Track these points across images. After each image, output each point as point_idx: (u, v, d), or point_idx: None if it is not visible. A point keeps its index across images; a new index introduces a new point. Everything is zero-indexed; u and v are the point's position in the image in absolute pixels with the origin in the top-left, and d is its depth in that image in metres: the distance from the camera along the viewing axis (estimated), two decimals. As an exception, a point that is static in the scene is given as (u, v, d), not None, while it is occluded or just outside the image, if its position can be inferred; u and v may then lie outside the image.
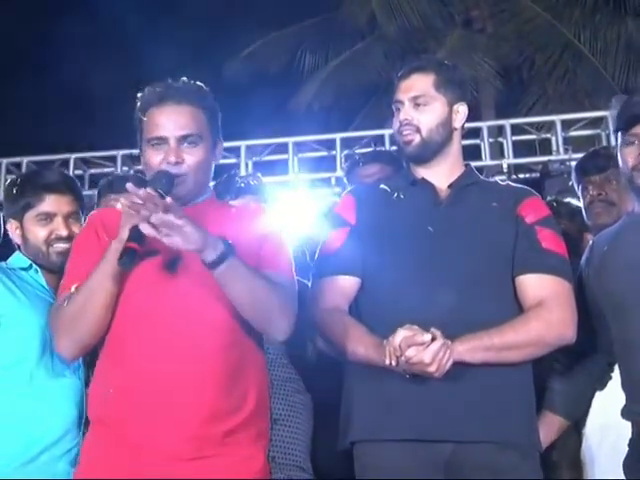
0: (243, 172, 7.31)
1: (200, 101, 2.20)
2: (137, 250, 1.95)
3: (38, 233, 2.51)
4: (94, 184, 7.44)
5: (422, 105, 2.45)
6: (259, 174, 3.51)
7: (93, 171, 8.17)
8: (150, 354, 2.05)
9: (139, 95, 2.24)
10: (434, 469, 2.19)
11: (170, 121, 2.15)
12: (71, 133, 10.60)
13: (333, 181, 7.49)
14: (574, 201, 3.50)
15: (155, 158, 2.15)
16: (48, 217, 2.51)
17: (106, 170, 8.01)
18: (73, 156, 7.98)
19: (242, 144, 7.73)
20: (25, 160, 7.94)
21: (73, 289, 2.10)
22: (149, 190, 1.99)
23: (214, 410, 2.03)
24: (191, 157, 2.15)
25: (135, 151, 7.58)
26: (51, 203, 2.53)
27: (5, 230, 2.68)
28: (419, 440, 2.19)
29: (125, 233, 1.97)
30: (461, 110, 2.51)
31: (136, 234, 1.96)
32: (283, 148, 7.77)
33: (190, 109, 2.17)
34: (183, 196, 2.15)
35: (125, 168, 7.92)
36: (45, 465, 2.32)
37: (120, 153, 7.90)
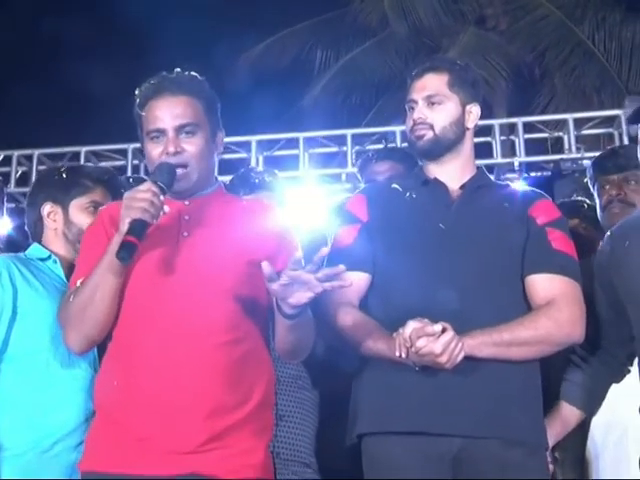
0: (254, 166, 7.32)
1: (196, 91, 2.21)
2: (135, 244, 1.96)
3: (85, 220, 2.53)
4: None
5: (436, 104, 2.47)
6: (276, 171, 3.52)
7: (104, 164, 8.16)
8: (154, 349, 2.06)
9: (136, 91, 2.25)
10: (441, 463, 2.21)
11: (166, 112, 2.16)
12: (82, 126, 10.63)
13: (343, 177, 7.48)
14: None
15: (155, 151, 2.17)
16: (96, 207, 2.55)
17: (117, 163, 8.02)
18: (84, 149, 7.96)
19: (252, 139, 7.72)
20: (36, 152, 7.94)
21: (79, 283, 2.12)
22: (149, 184, 2.02)
23: (217, 405, 2.03)
24: (190, 146, 2.15)
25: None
26: (102, 195, 2.60)
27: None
28: (426, 433, 2.21)
29: (125, 227, 1.98)
30: (474, 110, 2.53)
31: (136, 228, 1.97)
32: (294, 143, 7.75)
33: (186, 99, 2.18)
34: (188, 187, 2.17)
35: (136, 162, 7.92)
36: (59, 456, 2.33)
37: (131, 146, 7.88)
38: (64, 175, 2.65)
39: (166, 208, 2.05)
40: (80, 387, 2.38)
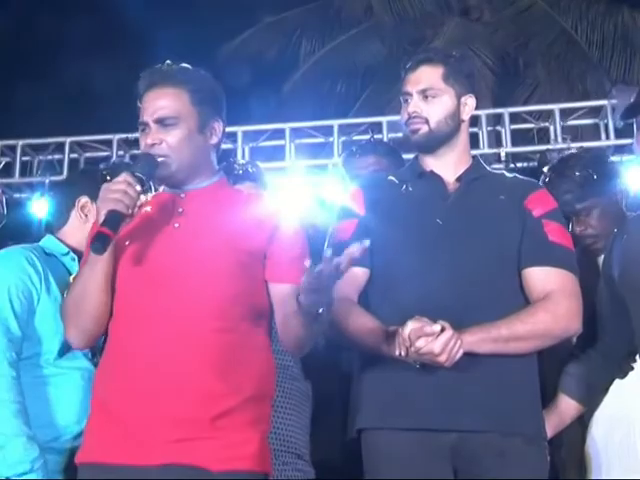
0: (240, 158, 7.28)
1: (183, 82, 2.22)
2: (108, 235, 1.97)
3: None
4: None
5: (431, 97, 2.47)
6: (257, 162, 3.51)
7: (88, 155, 8.11)
8: (146, 339, 2.07)
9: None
10: (440, 456, 2.24)
11: (150, 105, 2.20)
12: (66, 116, 10.55)
13: (330, 167, 7.46)
14: None
15: (142, 143, 2.20)
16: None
17: (101, 154, 7.96)
18: (68, 139, 7.89)
19: (239, 130, 7.68)
20: (20, 143, 7.87)
21: (71, 279, 2.14)
22: (125, 174, 2.04)
23: (205, 393, 2.03)
24: (170, 137, 2.16)
25: (131, 135, 7.59)
26: None
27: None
28: (425, 429, 2.22)
29: (100, 218, 2.00)
30: (469, 102, 2.53)
31: (110, 220, 1.98)
32: (280, 134, 7.72)
33: (171, 90, 2.20)
34: (169, 177, 2.19)
35: (121, 152, 7.87)
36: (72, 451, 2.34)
37: (116, 137, 7.83)
38: (107, 177, 2.65)
39: (143, 198, 2.08)
40: (85, 384, 2.41)
